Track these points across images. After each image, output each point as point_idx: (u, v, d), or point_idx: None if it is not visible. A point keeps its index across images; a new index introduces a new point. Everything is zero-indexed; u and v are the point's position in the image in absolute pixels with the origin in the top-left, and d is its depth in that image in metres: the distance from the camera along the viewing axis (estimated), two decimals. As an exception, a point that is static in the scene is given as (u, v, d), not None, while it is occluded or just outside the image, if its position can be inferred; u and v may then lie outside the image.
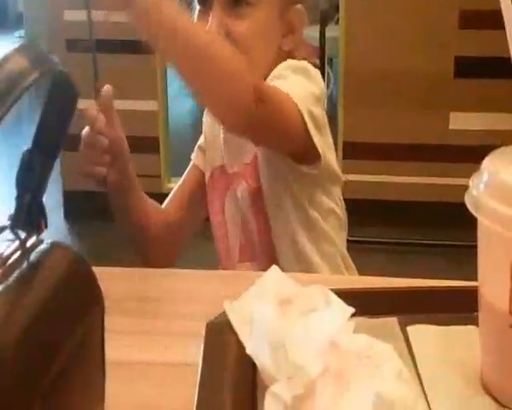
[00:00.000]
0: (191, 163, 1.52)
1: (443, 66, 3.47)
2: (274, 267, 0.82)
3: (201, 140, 1.51)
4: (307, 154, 1.28)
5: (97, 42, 3.96)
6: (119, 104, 4.33)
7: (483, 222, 0.66)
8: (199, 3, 1.33)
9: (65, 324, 0.58)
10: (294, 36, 1.36)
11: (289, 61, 1.32)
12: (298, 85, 1.25)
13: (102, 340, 0.66)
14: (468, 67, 3.49)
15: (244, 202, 1.37)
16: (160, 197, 3.57)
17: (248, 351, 0.73)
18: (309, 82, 1.28)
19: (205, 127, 1.50)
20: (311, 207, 1.35)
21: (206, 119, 1.48)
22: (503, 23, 0.71)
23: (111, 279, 0.93)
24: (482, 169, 0.69)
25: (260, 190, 1.34)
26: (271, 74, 1.29)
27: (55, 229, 3.29)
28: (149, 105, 3.64)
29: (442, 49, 3.44)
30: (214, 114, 1.24)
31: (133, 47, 3.68)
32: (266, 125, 1.17)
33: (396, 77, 3.49)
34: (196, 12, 1.35)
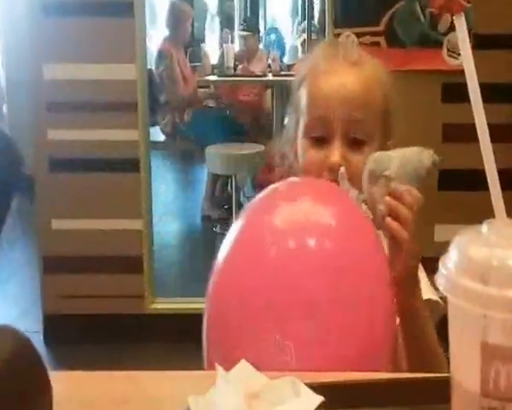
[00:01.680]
0: None
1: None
2: (243, 361, 0.78)
3: None
4: None
5: (82, 161, 3.96)
6: (104, 224, 4.29)
7: (454, 301, 0.63)
8: (317, 144, 1.39)
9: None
10: None
11: None
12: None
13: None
14: (451, 180, 3.53)
15: None
16: (144, 318, 3.50)
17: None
18: None
19: None
20: None
21: None
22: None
23: (75, 382, 0.89)
24: (451, 248, 0.67)
25: None
26: None
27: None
28: (134, 224, 3.62)
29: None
30: None
31: (118, 166, 3.70)
32: None
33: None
34: (305, 147, 1.41)
